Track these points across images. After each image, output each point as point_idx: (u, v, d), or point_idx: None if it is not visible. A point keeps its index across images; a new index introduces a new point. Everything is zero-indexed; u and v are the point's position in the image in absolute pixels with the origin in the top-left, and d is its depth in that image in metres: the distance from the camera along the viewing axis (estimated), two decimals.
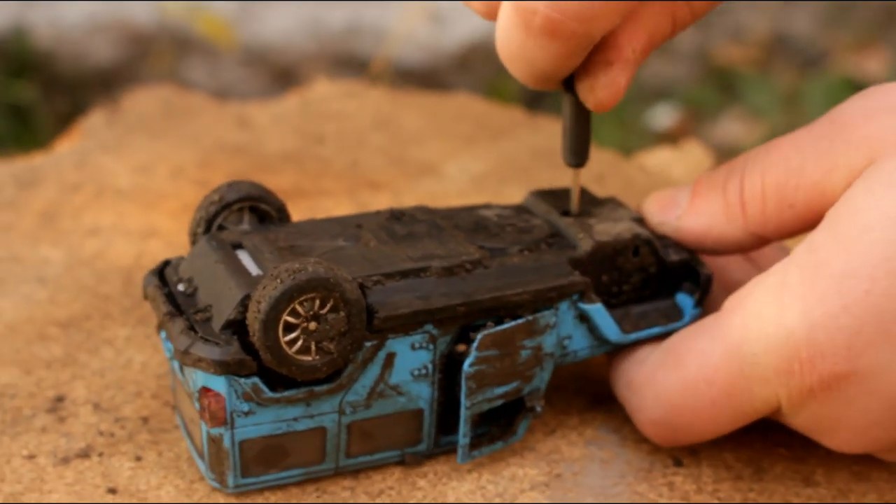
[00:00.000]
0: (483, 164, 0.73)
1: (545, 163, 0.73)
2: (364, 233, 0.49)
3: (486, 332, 0.46)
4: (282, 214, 0.51)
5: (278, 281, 0.42)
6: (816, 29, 1.78)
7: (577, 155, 0.50)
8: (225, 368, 0.43)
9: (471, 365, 0.46)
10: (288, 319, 0.43)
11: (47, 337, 0.56)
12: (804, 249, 0.44)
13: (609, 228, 0.50)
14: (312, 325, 0.43)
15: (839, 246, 0.43)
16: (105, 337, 0.56)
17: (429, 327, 0.46)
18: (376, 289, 0.45)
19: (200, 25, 1.42)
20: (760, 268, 0.54)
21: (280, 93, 1.63)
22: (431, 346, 0.46)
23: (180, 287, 0.47)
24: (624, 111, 1.52)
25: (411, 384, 0.46)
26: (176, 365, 0.47)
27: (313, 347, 0.43)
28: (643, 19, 0.48)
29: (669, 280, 0.51)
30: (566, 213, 0.52)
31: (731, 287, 0.53)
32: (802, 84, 1.59)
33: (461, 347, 0.47)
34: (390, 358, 0.46)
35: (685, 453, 0.50)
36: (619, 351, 0.50)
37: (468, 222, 0.51)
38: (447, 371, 0.47)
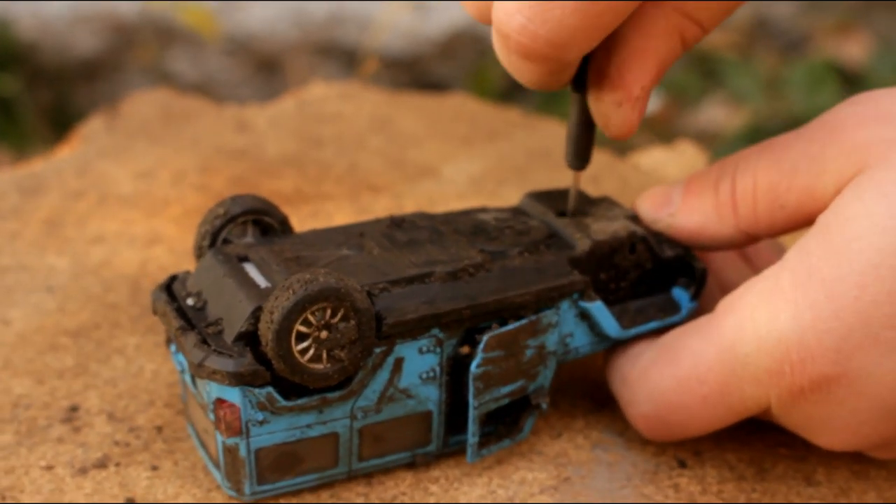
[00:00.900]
0: (480, 166, 0.74)
1: (542, 163, 0.74)
2: (367, 241, 0.50)
3: (491, 333, 0.47)
4: (284, 227, 0.51)
5: (290, 291, 0.43)
6: (797, 13, 1.78)
7: (581, 158, 0.51)
8: (239, 379, 0.44)
9: (478, 366, 0.47)
10: (300, 329, 0.44)
11: (58, 346, 0.57)
12: (796, 254, 0.45)
13: (605, 227, 0.51)
14: (324, 334, 0.44)
15: (830, 253, 0.44)
16: (115, 346, 0.57)
17: (435, 331, 0.47)
18: (383, 296, 0.46)
19: (184, 16, 1.41)
20: (754, 264, 0.55)
21: (263, 82, 1.63)
22: (438, 350, 0.47)
23: (189, 301, 0.48)
24: None
25: (420, 387, 0.48)
26: (188, 377, 0.48)
27: (325, 356, 0.44)
28: (648, 53, 0.48)
29: (665, 275, 0.52)
30: (562, 213, 0.53)
31: (726, 283, 0.54)
32: (784, 69, 1.60)
33: (465, 349, 0.48)
34: (399, 363, 0.47)
35: (689, 454, 0.51)
36: (614, 347, 0.52)
37: (467, 226, 0.52)
38: (453, 373, 0.48)
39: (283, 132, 0.78)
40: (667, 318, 0.52)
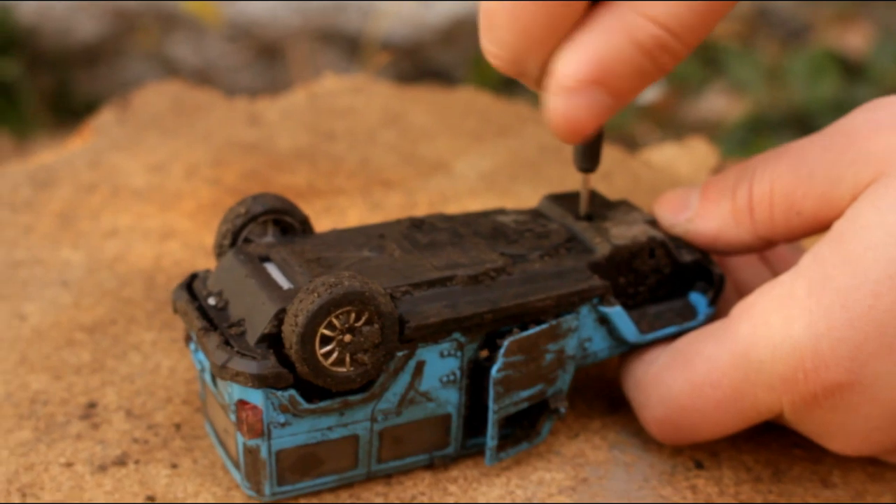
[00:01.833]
0: (492, 161, 0.74)
1: (554, 158, 0.74)
2: (388, 242, 0.50)
3: (512, 338, 0.47)
4: (305, 226, 0.51)
5: (315, 295, 0.43)
6: (799, 3, 1.79)
7: (589, 160, 0.52)
8: (263, 382, 0.44)
9: (498, 370, 0.47)
10: (324, 332, 0.44)
11: (75, 342, 0.57)
12: (811, 261, 0.46)
13: (624, 232, 0.52)
14: (347, 338, 0.44)
15: (845, 261, 0.44)
16: (131, 342, 0.57)
17: (457, 335, 0.47)
18: (405, 299, 0.47)
19: (186, 6, 1.41)
20: (773, 265, 0.55)
21: (265, 68, 1.63)
22: (459, 353, 0.47)
23: (211, 301, 0.48)
24: None
25: (440, 390, 0.48)
26: (207, 376, 0.48)
27: (348, 359, 0.45)
28: (584, 45, 0.45)
29: (683, 280, 0.52)
30: (581, 217, 0.53)
31: (743, 284, 0.54)
32: (785, 58, 1.60)
33: (484, 353, 0.48)
34: (420, 366, 0.47)
35: (705, 455, 0.51)
36: (629, 350, 0.52)
37: (487, 229, 0.52)
38: (473, 376, 0.48)
39: (295, 125, 0.78)
40: (684, 324, 0.52)
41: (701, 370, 0.48)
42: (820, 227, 0.48)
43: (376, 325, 0.45)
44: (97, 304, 0.60)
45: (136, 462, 0.49)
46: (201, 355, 0.48)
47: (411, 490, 0.49)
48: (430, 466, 0.50)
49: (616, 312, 0.50)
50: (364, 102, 0.81)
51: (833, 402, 0.45)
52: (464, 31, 1.63)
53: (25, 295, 0.60)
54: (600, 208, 0.53)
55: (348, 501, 0.48)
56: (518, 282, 0.48)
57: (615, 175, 0.72)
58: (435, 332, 0.46)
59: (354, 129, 0.77)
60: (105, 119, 0.78)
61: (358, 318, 0.44)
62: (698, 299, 0.52)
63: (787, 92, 1.47)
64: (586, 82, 0.45)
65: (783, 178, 0.48)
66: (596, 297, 0.49)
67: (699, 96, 1.63)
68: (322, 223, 0.65)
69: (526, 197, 0.69)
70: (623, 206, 0.54)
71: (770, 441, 0.52)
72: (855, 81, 1.50)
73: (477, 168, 0.73)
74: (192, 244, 0.65)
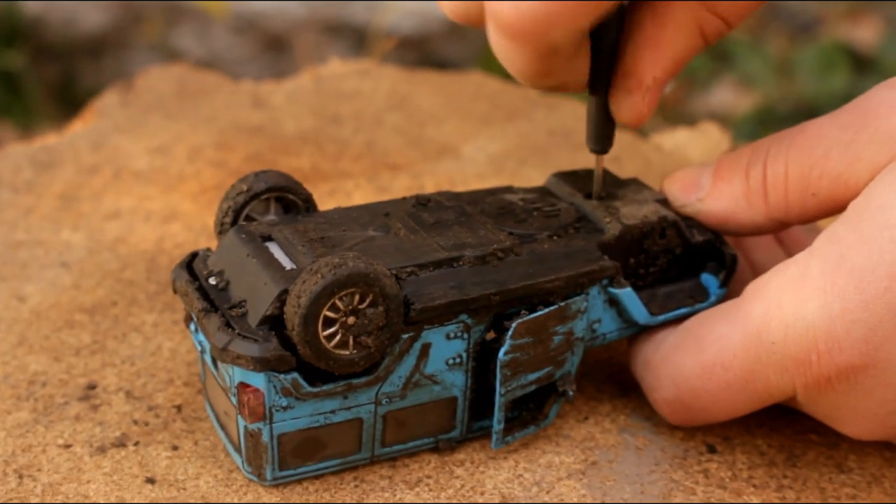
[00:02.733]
0: (500, 145, 0.73)
1: (562, 143, 0.73)
2: (393, 221, 0.49)
3: (520, 320, 0.46)
4: (309, 204, 0.50)
5: (319, 276, 0.42)
6: None
7: (601, 142, 0.51)
8: (265, 365, 0.43)
9: (506, 353, 0.46)
10: (327, 314, 0.43)
11: (74, 323, 0.56)
12: (826, 241, 0.45)
13: (635, 211, 0.50)
14: (351, 320, 0.43)
15: (860, 241, 0.43)
16: (132, 323, 0.56)
17: (463, 317, 0.46)
18: (410, 280, 0.45)
19: None
20: (788, 247, 0.54)
21: (271, 60, 1.62)
22: (466, 335, 0.46)
23: (211, 281, 0.47)
24: None
25: (446, 373, 0.47)
26: (208, 358, 0.47)
27: (351, 342, 0.44)
28: (663, 44, 0.48)
29: (694, 260, 0.51)
30: (590, 195, 0.52)
31: (759, 267, 0.53)
32: (795, 51, 1.59)
33: (491, 335, 0.47)
34: (426, 348, 0.46)
35: (718, 439, 0.50)
36: (640, 331, 0.51)
37: (494, 207, 0.51)
38: (480, 359, 0.47)
39: (300, 109, 0.77)
40: (696, 305, 0.51)
41: (712, 351, 0.47)
42: (835, 209, 0.47)
43: (381, 308, 0.43)
44: (98, 286, 0.59)
45: (136, 444, 0.49)
46: (201, 336, 0.47)
47: (417, 473, 0.48)
48: (435, 450, 0.49)
49: (626, 294, 0.49)
50: (371, 86, 0.80)
51: (846, 385, 0.44)
52: None
53: (25, 276, 0.59)
54: (610, 187, 0.52)
55: (353, 484, 0.47)
56: (526, 262, 0.47)
57: (625, 159, 0.71)
58: (441, 314, 0.45)
59: (361, 113, 0.76)
60: (108, 101, 0.77)
61: (362, 300, 0.43)
62: (710, 280, 0.51)
63: (797, 85, 1.47)
64: (664, 80, 0.48)
65: (798, 158, 0.47)
66: (605, 278, 0.48)
67: (708, 89, 1.62)
68: (327, 206, 0.64)
69: (534, 181, 0.68)
70: (633, 184, 0.53)
71: (784, 426, 0.51)
72: (865, 75, 1.49)
73: (485, 152, 0.72)
74: (195, 226, 0.64)
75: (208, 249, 0.49)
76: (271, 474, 0.46)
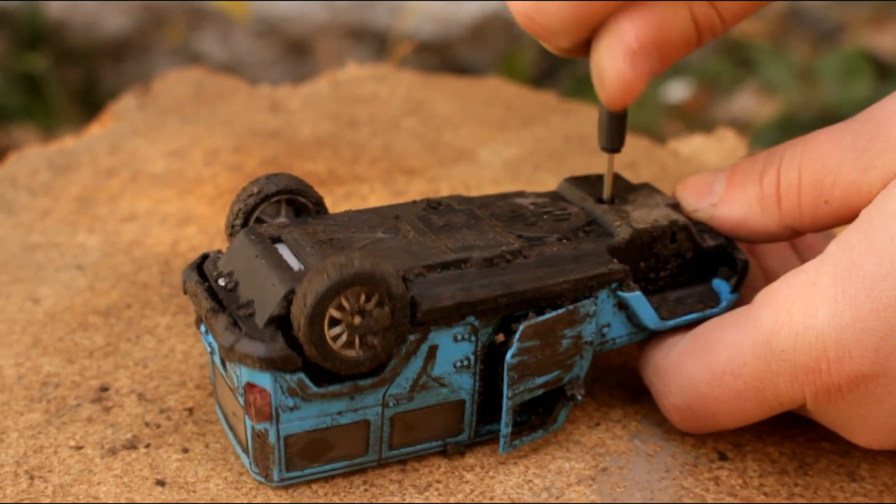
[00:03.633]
0: (516, 150, 0.73)
1: (578, 148, 0.73)
2: (402, 224, 0.49)
3: (527, 323, 0.46)
4: (319, 207, 0.51)
5: (324, 275, 0.42)
6: (832, 3, 1.77)
7: (613, 140, 0.50)
8: (271, 365, 0.43)
9: (513, 356, 0.46)
10: (333, 314, 0.43)
11: (88, 325, 0.56)
12: (837, 248, 0.44)
13: (645, 215, 0.50)
14: (357, 320, 0.43)
15: (872, 249, 0.43)
16: (146, 326, 0.56)
17: (471, 319, 0.46)
18: (418, 281, 0.45)
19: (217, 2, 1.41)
20: (802, 254, 0.54)
21: (292, 64, 1.63)
22: (473, 338, 0.46)
23: (221, 282, 0.47)
24: None
25: (454, 375, 0.47)
26: (217, 359, 0.47)
27: (357, 342, 0.44)
28: (647, 8, 0.47)
29: (705, 265, 0.51)
30: (601, 200, 0.52)
31: (772, 273, 0.53)
32: (817, 58, 1.58)
33: (500, 337, 0.47)
34: (433, 350, 0.46)
35: (729, 447, 0.50)
36: (649, 336, 0.51)
37: (505, 211, 0.51)
38: (488, 361, 0.47)
39: (317, 113, 0.77)
40: (706, 310, 0.50)
41: (721, 358, 0.46)
42: (848, 217, 0.47)
43: (387, 308, 0.43)
44: (112, 289, 0.59)
45: (147, 446, 0.49)
46: (211, 338, 0.47)
47: (427, 477, 0.48)
48: (443, 453, 0.49)
49: (635, 298, 0.49)
50: (387, 90, 0.80)
51: (857, 394, 0.44)
52: (493, 29, 1.62)
53: (39, 278, 0.60)
54: (622, 191, 0.52)
55: (363, 488, 0.47)
56: (535, 265, 0.47)
57: (641, 164, 0.70)
58: (448, 316, 0.45)
59: (377, 117, 0.77)
60: (125, 105, 0.77)
61: (368, 300, 0.43)
62: (721, 285, 0.51)
63: (819, 92, 1.46)
64: (648, 45, 0.47)
65: (812, 165, 0.47)
66: (615, 281, 0.48)
67: (730, 96, 1.61)
68: (342, 210, 0.64)
69: (550, 186, 0.68)
70: (645, 189, 0.53)
71: (796, 433, 0.51)
72: (888, 82, 1.48)
73: (501, 157, 0.72)
74: (210, 230, 0.64)
75: (219, 251, 0.49)
76: (278, 475, 0.46)
